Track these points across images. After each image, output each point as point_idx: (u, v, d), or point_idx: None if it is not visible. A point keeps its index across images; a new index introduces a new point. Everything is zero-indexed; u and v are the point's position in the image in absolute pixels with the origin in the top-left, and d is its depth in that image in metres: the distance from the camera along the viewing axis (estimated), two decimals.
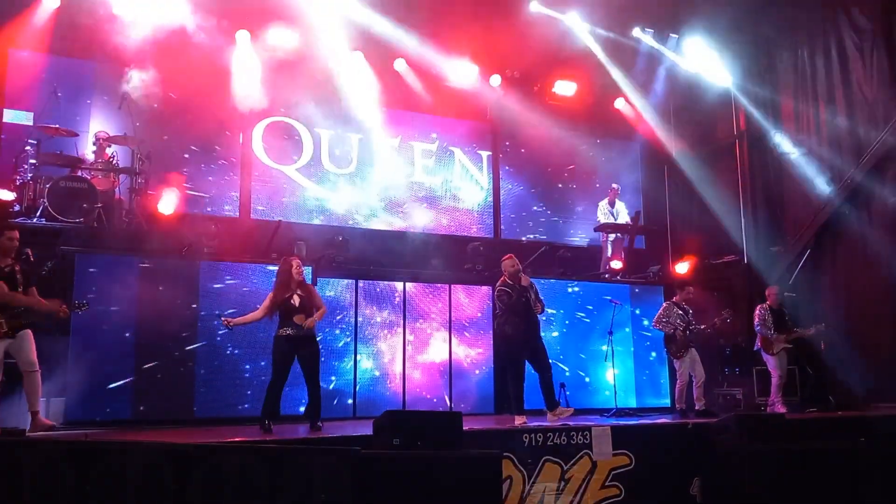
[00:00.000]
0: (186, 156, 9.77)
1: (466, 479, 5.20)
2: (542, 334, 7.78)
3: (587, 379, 9.58)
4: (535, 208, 12.01)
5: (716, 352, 10.02)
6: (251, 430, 6.88)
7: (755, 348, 9.07)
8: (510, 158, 12.07)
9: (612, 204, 11.24)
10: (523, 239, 11.67)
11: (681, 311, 8.85)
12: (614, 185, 11.40)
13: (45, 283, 6.60)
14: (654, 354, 10.05)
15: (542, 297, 7.69)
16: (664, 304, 9.10)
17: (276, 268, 7.61)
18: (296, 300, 6.93)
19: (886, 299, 9.34)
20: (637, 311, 10.17)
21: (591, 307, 9.84)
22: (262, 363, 8.00)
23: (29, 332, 6.05)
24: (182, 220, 8.80)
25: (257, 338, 8.03)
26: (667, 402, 9.98)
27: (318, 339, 7.20)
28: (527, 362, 7.49)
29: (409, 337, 9.04)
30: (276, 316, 7.00)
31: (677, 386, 8.75)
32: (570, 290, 9.88)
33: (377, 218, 10.86)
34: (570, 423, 7.07)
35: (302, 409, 7.91)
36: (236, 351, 8.03)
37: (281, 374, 6.89)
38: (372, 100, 10.81)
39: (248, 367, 8.02)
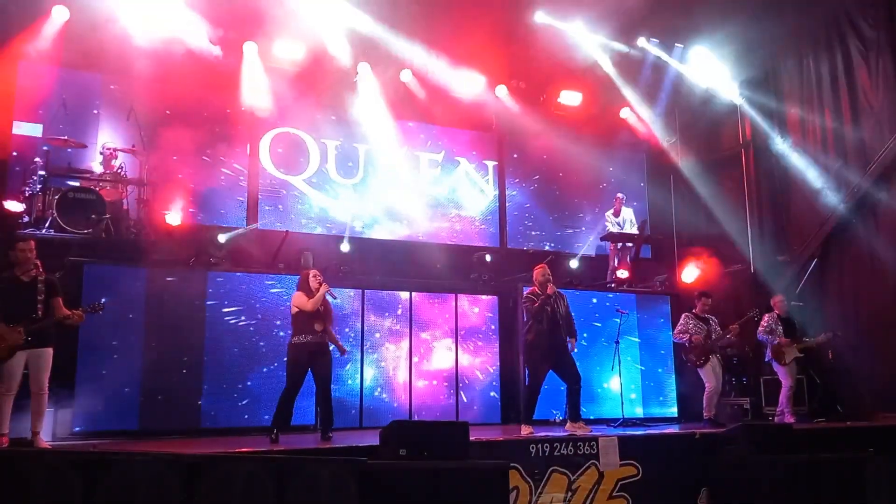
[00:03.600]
0: (194, 162, 9.81)
1: (473, 490, 5.20)
2: None
3: (601, 386, 9.57)
4: (540, 218, 12.01)
5: (724, 361, 9.98)
6: (258, 440, 6.90)
7: (766, 359, 9.04)
8: (516, 168, 12.08)
9: (616, 213, 11.23)
10: (529, 248, 11.67)
11: (699, 321, 8.84)
12: (619, 195, 11.40)
13: None
14: (660, 366, 10.04)
15: (575, 331, 7.70)
16: (683, 316, 9.03)
17: (280, 278, 8.04)
18: (321, 308, 6.96)
19: (894, 308, 9.30)
20: (660, 321, 10.16)
21: (597, 316, 9.83)
22: (269, 373, 8.02)
23: (50, 351, 6.03)
24: (189, 230, 8.86)
25: (264, 348, 8.07)
26: (673, 411, 9.95)
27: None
28: (553, 373, 7.50)
29: (415, 347, 9.05)
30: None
31: (705, 394, 8.65)
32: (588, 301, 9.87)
33: (383, 228, 10.89)
34: (577, 434, 7.05)
35: (309, 418, 7.95)
36: (243, 361, 8.05)
37: (296, 382, 6.89)
38: (378, 110, 10.86)
39: (254, 377, 8.04)
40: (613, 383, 9.37)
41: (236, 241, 8.86)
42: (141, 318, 7.68)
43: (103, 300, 6.43)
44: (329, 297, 7.12)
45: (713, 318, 8.94)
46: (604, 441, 6.86)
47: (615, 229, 11.10)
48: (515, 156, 12.13)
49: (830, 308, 10.04)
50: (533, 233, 11.94)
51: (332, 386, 7.16)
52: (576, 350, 7.70)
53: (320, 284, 7.02)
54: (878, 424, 8.29)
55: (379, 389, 8.79)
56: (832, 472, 6.39)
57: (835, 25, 10.44)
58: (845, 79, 10.26)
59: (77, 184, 8.53)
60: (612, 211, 11.27)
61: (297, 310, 7.00)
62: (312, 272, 7.16)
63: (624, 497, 6.84)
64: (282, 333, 8.10)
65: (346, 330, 8.73)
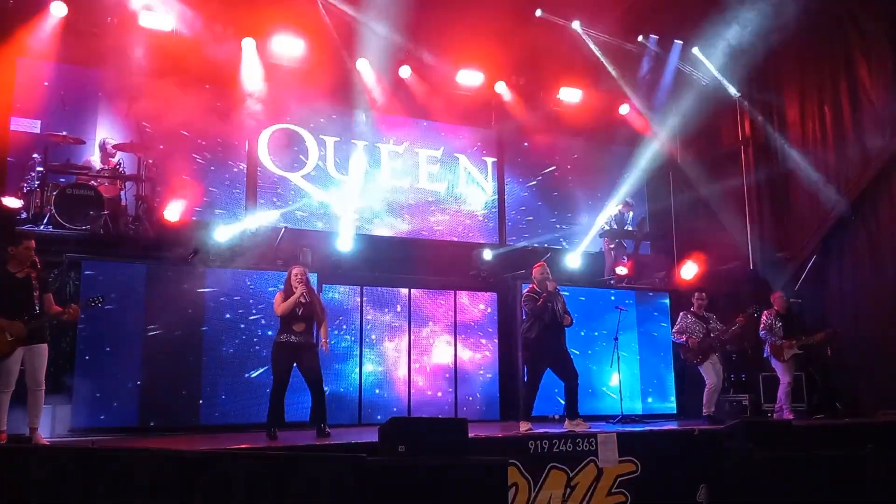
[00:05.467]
0: (193, 159, 9.79)
1: (472, 487, 5.19)
2: None
3: (593, 387, 9.57)
4: (540, 214, 11.99)
5: (724, 358, 9.99)
6: (257, 436, 6.89)
7: (765, 355, 9.05)
8: (515, 165, 12.07)
9: (620, 214, 11.19)
10: (529, 245, 11.65)
11: (697, 319, 8.84)
12: (628, 200, 11.35)
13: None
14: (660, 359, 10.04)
15: (569, 311, 7.69)
16: (681, 314, 9.05)
17: (279, 274, 7.81)
18: (299, 309, 6.90)
19: (894, 305, 9.30)
20: (659, 318, 10.14)
21: (596, 313, 9.82)
22: (269, 369, 8.00)
23: (45, 347, 6.05)
24: (188, 226, 8.84)
25: (264, 344, 8.06)
26: (672, 407, 9.96)
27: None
28: (551, 371, 7.50)
29: (414, 343, 9.05)
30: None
31: (705, 391, 8.67)
32: (581, 298, 9.86)
33: (382, 224, 10.88)
34: (576, 430, 7.06)
35: (308, 415, 7.93)
36: (242, 357, 8.05)
37: (282, 380, 6.87)
38: (377, 106, 10.83)
39: (253, 373, 8.04)
40: (612, 380, 9.37)
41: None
42: (140, 314, 7.66)
43: (101, 296, 6.42)
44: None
45: (713, 315, 8.94)
46: (603, 437, 6.86)
47: (611, 226, 11.09)
48: (515, 152, 12.10)
49: (830, 304, 10.06)
50: (532, 229, 11.92)
51: (332, 382, 7.15)
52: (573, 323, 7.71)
53: (300, 284, 6.91)
54: (878, 421, 8.29)
55: (378, 386, 8.78)
56: (832, 469, 6.39)
57: (836, 21, 10.42)
58: (846, 75, 10.26)
59: (75, 180, 8.51)
60: (617, 210, 11.23)
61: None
62: (295, 271, 7.01)
63: (623, 493, 6.84)
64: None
65: (344, 327, 8.72)
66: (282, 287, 7.08)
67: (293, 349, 6.86)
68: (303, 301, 6.89)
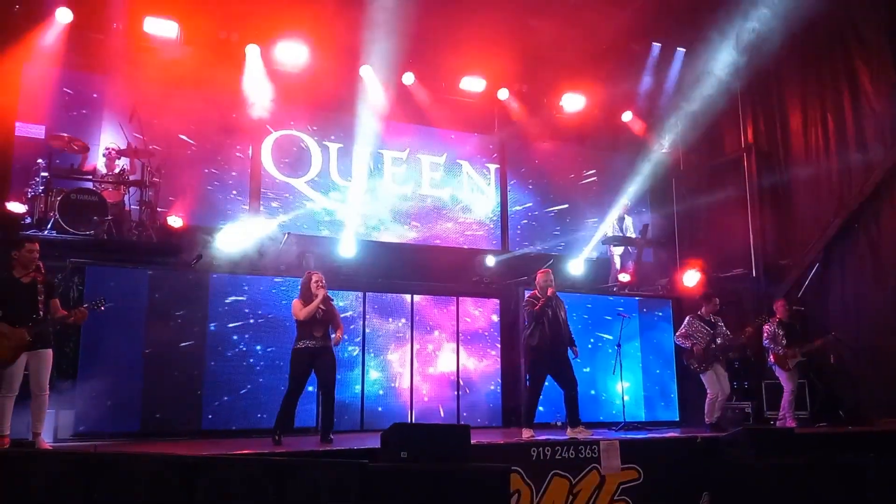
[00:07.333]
0: (196, 164, 9.81)
1: (474, 494, 5.19)
2: None
3: (592, 392, 9.56)
4: (542, 221, 12.00)
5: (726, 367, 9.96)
6: (258, 442, 6.90)
7: (769, 364, 9.01)
8: (518, 171, 12.09)
9: (620, 219, 11.21)
10: (531, 251, 11.66)
11: (704, 324, 8.77)
12: (626, 203, 11.37)
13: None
14: (660, 368, 10.03)
15: (572, 338, 7.73)
16: (687, 318, 8.91)
17: (282, 279, 7.99)
18: (319, 313, 6.95)
19: None
20: (662, 325, 10.14)
21: (599, 320, 9.81)
22: (271, 375, 8.02)
23: (50, 352, 6.05)
24: (191, 232, 8.86)
25: (266, 349, 8.07)
26: (675, 414, 9.93)
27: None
28: (551, 378, 7.49)
29: (417, 349, 9.04)
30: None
31: (706, 400, 8.59)
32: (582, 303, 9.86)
33: (385, 230, 10.89)
34: (579, 437, 7.05)
35: (311, 421, 7.95)
36: (245, 362, 8.05)
37: (297, 386, 6.93)
38: (380, 113, 10.87)
39: (256, 378, 8.03)
40: (615, 387, 9.36)
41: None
42: (142, 319, 7.67)
43: (104, 297, 6.43)
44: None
45: (720, 319, 8.87)
46: (605, 444, 6.86)
47: (615, 233, 11.09)
48: (518, 158, 12.13)
49: (832, 312, 10.04)
50: (535, 235, 11.93)
51: (335, 388, 7.16)
52: (578, 359, 7.72)
53: (321, 289, 6.98)
54: (880, 429, 8.28)
55: (381, 392, 8.77)
56: (833, 477, 6.40)
57: (837, 29, 10.44)
58: (848, 83, 10.27)
59: (79, 185, 8.54)
60: (616, 215, 11.25)
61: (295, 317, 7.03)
62: (315, 277, 7.09)
63: (625, 500, 6.83)
64: (282, 335, 8.09)
65: (345, 336, 8.70)
66: (298, 295, 7.15)
67: (312, 354, 6.92)
68: (322, 306, 6.95)
